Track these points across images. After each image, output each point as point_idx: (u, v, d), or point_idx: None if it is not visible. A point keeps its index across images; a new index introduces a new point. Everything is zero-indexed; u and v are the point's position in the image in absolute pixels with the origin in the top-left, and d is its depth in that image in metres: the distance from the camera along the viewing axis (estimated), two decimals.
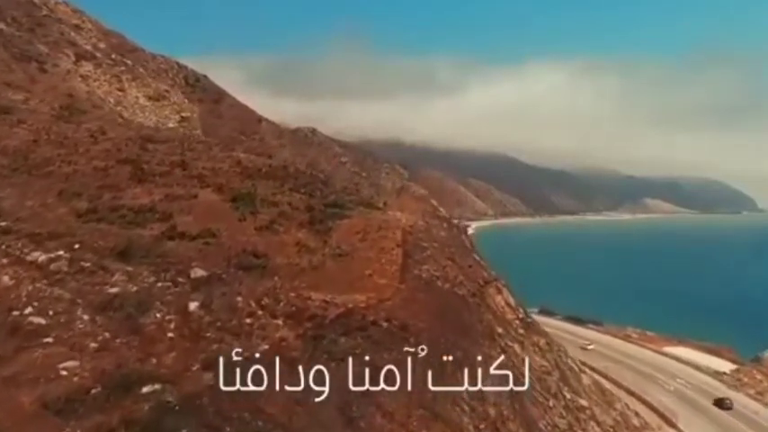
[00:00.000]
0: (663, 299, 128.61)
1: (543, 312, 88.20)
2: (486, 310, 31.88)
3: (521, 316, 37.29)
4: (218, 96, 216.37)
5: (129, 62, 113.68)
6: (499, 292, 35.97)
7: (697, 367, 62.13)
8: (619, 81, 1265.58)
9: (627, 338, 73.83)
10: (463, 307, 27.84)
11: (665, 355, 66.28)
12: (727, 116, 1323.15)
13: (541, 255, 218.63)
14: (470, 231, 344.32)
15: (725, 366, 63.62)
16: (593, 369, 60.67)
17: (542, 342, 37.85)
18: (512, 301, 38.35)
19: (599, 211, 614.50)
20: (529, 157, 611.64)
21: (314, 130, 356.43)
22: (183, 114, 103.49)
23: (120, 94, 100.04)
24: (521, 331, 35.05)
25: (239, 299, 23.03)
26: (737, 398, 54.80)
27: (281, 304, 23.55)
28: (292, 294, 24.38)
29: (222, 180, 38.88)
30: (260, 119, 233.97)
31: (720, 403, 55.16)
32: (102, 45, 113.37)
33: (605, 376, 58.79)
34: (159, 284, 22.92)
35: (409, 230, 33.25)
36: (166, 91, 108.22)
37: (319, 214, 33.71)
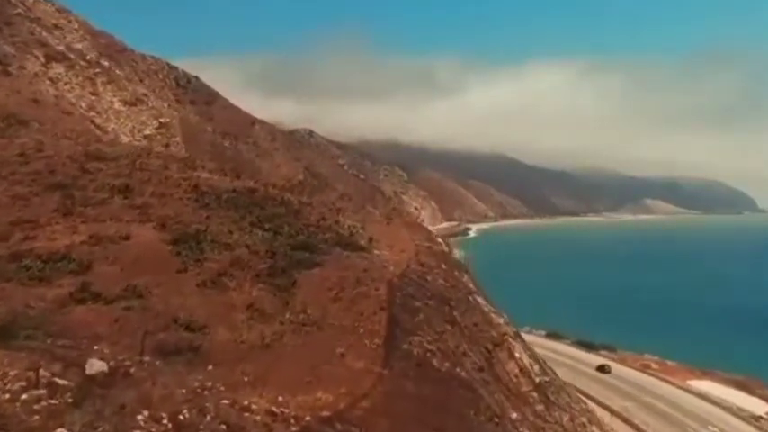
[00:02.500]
0: (675, 311, 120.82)
1: (551, 336, 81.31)
2: (498, 387, 24.83)
3: (537, 380, 30.34)
4: (211, 98, 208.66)
5: (105, 64, 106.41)
6: (511, 355, 28.93)
7: (729, 409, 55.11)
8: (620, 81, 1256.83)
9: (645, 369, 66.85)
10: (468, 399, 20.73)
11: (690, 391, 59.27)
12: (727, 117, 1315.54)
13: (546, 261, 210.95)
14: (472, 234, 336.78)
15: (760, 407, 56.52)
16: (611, 411, 53.62)
17: (566, 419, 30.85)
18: (525, 360, 31.31)
19: (600, 212, 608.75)
20: (529, 157, 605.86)
21: (311, 132, 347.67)
22: (162, 120, 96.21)
23: (92, 98, 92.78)
24: (539, 408, 28.04)
25: (143, 416, 15.84)
26: None
27: (208, 419, 16.37)
28: (226, 401, 17.19)
29: (170, 211, 31.72)
30: (253, 121, 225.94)
31: None
32: (77, 46, 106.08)
33: (626, 421, 51.77)
34: (25, 396, 15.73)
35: (398, 282, 26.08)
36: (144, 95, 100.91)
37: (283, 261, 26.54)
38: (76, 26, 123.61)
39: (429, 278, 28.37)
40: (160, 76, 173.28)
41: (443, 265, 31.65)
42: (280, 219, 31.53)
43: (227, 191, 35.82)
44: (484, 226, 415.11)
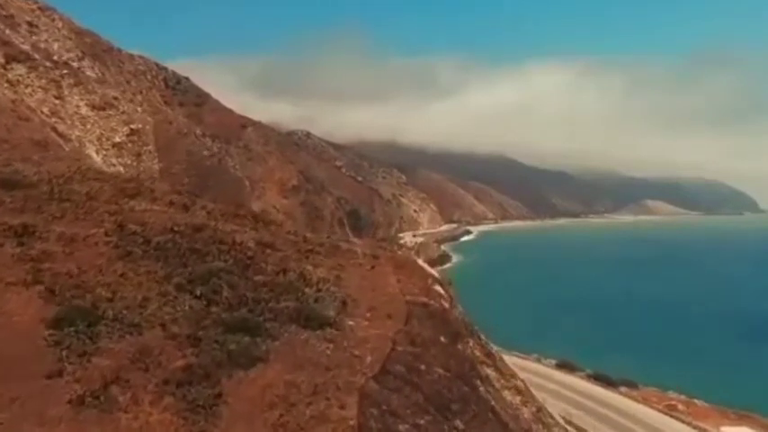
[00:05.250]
0: (695, 327, 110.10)
1: (562, 367, 73.05)
2: None
3: None
4: (201, 100, 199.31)
5: (75, 65, 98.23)
6: None
7: None
8: (620, 81, 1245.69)
9: (671, 411, 58.89)
10: None
11: None
12: (728, 117, 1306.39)
13: (551, 266, 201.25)
14: (471, 236, 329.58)
15: None
16: None
17: None
18: None
19: (600, 213, 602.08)
20: (529, 158, 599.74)
21: (308, 134, 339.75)
22: (134, 126, 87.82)
23: (56, 102, 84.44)
24: None
25: None
26: None
27: None
28: None
29: (72, 266, 23.49)
30: (245, 124, 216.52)
31: None
32: (52, 45, 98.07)
33: None
34: None
35: (376, 387, 17.89)
36: (116, 98, 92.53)
37: (210, 353, 18.33)
38: (60, 25, 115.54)
39: (422, 367, 20.28)
40: (148, 77, 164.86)
41: (442, 338, 23.56)
42: (221, 276, 23.29)
43: (162, 231, 27.58)
44: (484, 228, 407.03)
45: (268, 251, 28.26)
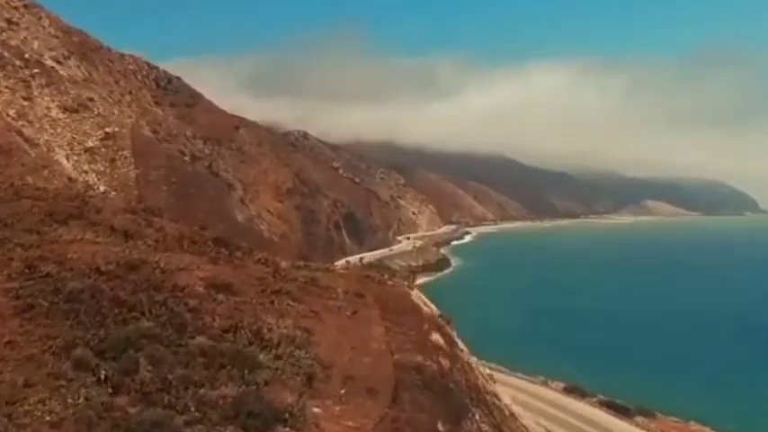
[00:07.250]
0: (717, 342, 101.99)
1: (569, 391, 67.16)
2: None
3: None
4: (193, 100, 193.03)
5: (49, 64, 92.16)
6: None
7: None
8: (620, 82, 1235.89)
9: None
10: None
11: None
12: (728, 117, 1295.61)
13: (558, 271, 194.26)
14: (471, 238, 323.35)
15: None
16: None
17: None
18: None
19: (600, 213, 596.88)
20: (528, 158, 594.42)
21: (305, 134, 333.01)
22: (109, 130, 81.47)
23: (24, 104, 78.42)
24: None
25: None
26: None
27: None
28: None
29: None
30: (237, 125, 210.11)
31: None
32: (16, 43, 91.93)
33: None
34: None
35: None
36: (90, 99, 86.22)
37: None
38: (47, 23, 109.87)
39: None
40: (138, 77, 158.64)
41: (441, 424, 17.63)
42: (142, 344, 17.28)
43: (83, 272, 21.57)
44: (484, 229, 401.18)
45: (220, 297, 22.27)
